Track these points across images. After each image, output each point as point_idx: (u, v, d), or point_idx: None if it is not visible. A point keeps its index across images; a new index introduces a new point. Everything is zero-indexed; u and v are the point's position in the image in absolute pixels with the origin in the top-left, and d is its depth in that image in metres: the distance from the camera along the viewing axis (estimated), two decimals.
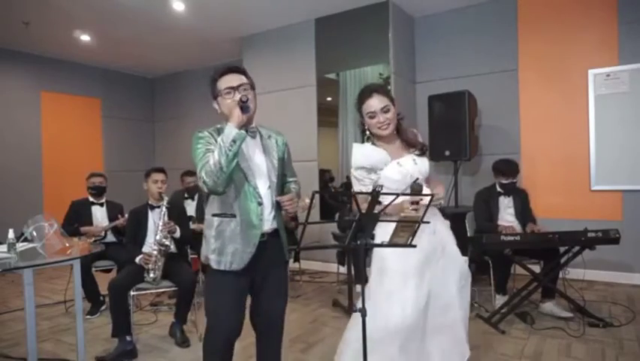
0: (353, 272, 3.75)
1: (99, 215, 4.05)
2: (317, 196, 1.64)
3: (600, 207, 4.31)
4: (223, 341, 1.86)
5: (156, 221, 3.17)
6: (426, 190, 1.91)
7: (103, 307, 3.77)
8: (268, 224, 1.87)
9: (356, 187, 2.00)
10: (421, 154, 2.04)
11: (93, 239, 3.82)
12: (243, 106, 1.73)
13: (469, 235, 3.87)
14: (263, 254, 1.84)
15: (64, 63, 6.70)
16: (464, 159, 4.33)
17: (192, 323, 3.30)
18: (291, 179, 2.07)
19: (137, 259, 3.07)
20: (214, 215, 1.85)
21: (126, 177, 6.92)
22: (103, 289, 3.52)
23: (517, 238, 3.22)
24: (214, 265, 1.83)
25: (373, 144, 2.03)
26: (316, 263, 5.29)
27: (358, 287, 3.63)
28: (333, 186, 5.30)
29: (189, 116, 7.35)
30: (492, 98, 4.75)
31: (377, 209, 1.60)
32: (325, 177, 5.29)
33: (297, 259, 4.58)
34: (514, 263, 3.44)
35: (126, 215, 3.66)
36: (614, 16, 4.25)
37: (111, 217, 4.02)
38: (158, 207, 3.22)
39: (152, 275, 3.02)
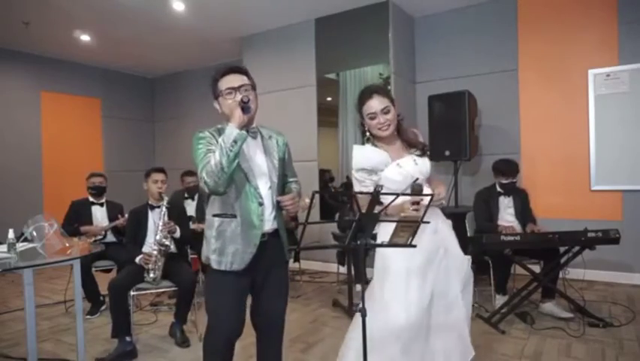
0: (353, 272, 3.75)
1: (99, 215, 4.05)
2: (317, 196, 1.64)
3: (600, 207, 4.31)
4: (223, 341, 1.86)
5: (156, 221, 3.17)
6: (426, 190, 1.91)
7: (103, 307, 3.78)
8: (269, 224, 1.87)
9: (357, 189, 2.00)
10: (422, 154, 2.04)
11: (93, 239, 3.82)
12: (244, 107, 1.73)
13: (469, 235, 3.87)
14: (263, 254, 1.84)
15: (64, 63, 6.70)
16: (464, 159, 4.33)
17: (192, 323, 3.30)
18: (291, 179, 2.06)
19: (137, 259, 3.07)
20: (215, 215, 1.85)
21: (126, 177, 6.92)
22: (103, 289, 3.52)
23: (517, 238, 3.22)
24: (215, 266, 1.83)
25: (373, 144, 2.03)
26: (316, 263, 5.29)
27: (358, 287, 3.64)
28: (333, 186, 5.30)
29: (189, 116, 7.35)
30: (492, 98, 4.75)
31: (377, 209, 1.60)
32: (325, 177, 5.29)
33: (297, 259, 4.58)
34: (514, 263, 3.44)
35: (126, 215, 3.66)
36: (614, 16, 4.25)
37: (111, 217, 4.02)
38: (158, 207, 3.22)
39: (152, 275, 3.02)
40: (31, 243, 2.67)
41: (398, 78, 4.86)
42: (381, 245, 1.90)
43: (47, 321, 3.63)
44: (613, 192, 4.29)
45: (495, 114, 4.79)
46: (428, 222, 1.72)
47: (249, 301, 1.94)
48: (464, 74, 4.89)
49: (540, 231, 3.48)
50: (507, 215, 3.73)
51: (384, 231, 1.81)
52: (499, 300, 3.54)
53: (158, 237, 3.07)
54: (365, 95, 2.00)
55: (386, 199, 1.64)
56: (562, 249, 3.36)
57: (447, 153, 4.30)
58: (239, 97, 1.79)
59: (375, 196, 1.56)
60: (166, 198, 3.23)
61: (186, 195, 4.44)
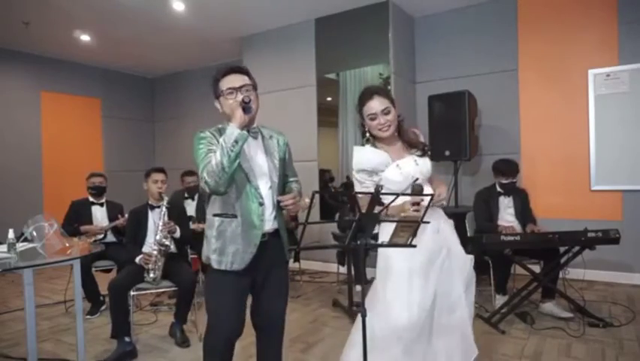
0: (353, 272, 3.75)
1: (99, 215, 4.05)
2: (317, 196, 1.64)
3: (600, 207, 4.31)
4: (224, 341, 1.86)
5: (156, 221, 3.17)
6: (427, 190, 1.91)
7: (103, 307, 3.78)
8: (269, 224, 1.87)
9: (357, 190, 2.00)
10: (423, 154, 2.04)
11: (93, 239, 3.82)
12: (245, 107, 1.73)
13: (469, 235, 3.87)
14: (264, 254, 1.84)
15: (64, 63, 6.70)
16: (464, 159, 4.33)
17: (192, 323, 3.30)
18: (292, 179, 2.07)
19: (137, 259, 3.07)
20: (215, 215, 1.86)
21: (126, 177, 6.92)
22: (103, 289, 3.52)
23: (517, 238, 3.22)
24: (215, 265, 1.83)
25: (373, 145, 2.03)
26: (316, 263, 5.29)
27: (358, 288, 3.64)
28: (333, 186, 5.30)
29: (189, 116, 7.35)
30: (492, 98, 4.75)
31: (378, 210, 1.60)
32: (325, 177, 5.29)
33: (297, 259, 4.58)
34: (514, 263, 3.44)
35: (126, 215, 3.66)
36: (614, 16, 4.25)
37: (111, 217, 4.02)
38: (158, 207, 3.22)
39: (152, 275, 3.02)
40: (31, 243, 2.67)
41: (398, 78, 4.86)
42: (381, 245, 1.90)
43: (47, 321, 3.63)
44: (613, 192, 4.29)
45: (495, 114, 4.79)
46: (428, 222, 1.72)
47: (249, 301, 1.94)
48: (464, 74, 4.89)
49: (540, 231, 3.48)
50: (507, 215, 3.73)
51: (386, 231, 1.81)
52: (499, 300, 3.54)
53: (158, 237, 3.07)
54: (365, 96, 2.00)
55: (386, 199, 1.64)
56: (562, 249, 3.35)
57: (447, 153, 4.30)
58: (240, 97, 1.79)
59: (375, 196, 1.56)
60: (166, 198, 3.23)
61: (186, 195, 4.44)
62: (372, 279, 2.04)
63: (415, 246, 1.67)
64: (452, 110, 4.30)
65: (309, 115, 5.31)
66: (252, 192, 1.83)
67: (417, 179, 1.87)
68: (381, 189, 1.59)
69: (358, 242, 1.61)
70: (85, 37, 5.77)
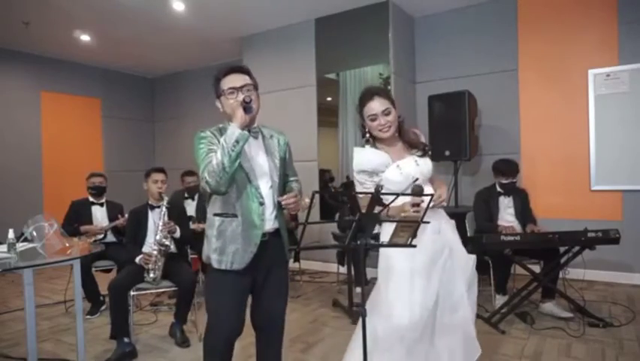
0: (353, 273, 3.75)
1: (99, 215, 4.05)
2: (317, 196, 1.64)
3: (600, 207, 4.31)
4: (223, 340, 1.87)
5: (156, 221, 3.17)
6: (427, 190, 1.91)
7: (103, 307, 3.78)
8: (270, 223, 1.88)
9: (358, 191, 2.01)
10: (423, 155, 2.05)
11: (93, 239, 3.82)
12: (246, 107, 1.73)
13: (469, 235, 3.87)
14: (264, 254, 1.84)
15: (64, 63, 6.70)
16: (464, 159, 4.33)
17: (192, 323, 3.30)
18: (292, 178, 2.07)
19: (137, 259, 3.06)
20: (216, 215, 1.86)
21: (126, 177, 6.92)
22: (103, 289, 3.52)
23: (517, 238, 3.22)
24: (215, 265, 1.83)
25: (373, 146, 2.04)
26: (316, 263, 5.29)
27: (359, 289, 3.64)
28: (333, 186, 5.30)
29: (189, 116, 7.35)
30: (492, 98, 4.75)
31: (378, 210, 1.60)
32: (325, 177, 5.29)
33: (297, 259, 4.58)
34: (514, 263, 3.44)
35: (126, 215, 3.66)
36: (614, 16, 4.25)
37: (111, 217, 4.02)
38: (158, 207, 3.22)
39: (152, 275, 3.02)
40: (31, 243, 2.67)
41: (398, 78, 4.86)
42: (381, 245, 1.90)
43: (47, 321, 3.63)
44: (613, 192, 4.29)
45: (495, 114, 4.79)
46: (428, 222, 1.72)
47: (249, 301, 1.94)
48: (464, 74, 4.89)
49: (540, 231, 3.48)
50: (507, 215, 3.73)
51: (387, 231, 1.81)
52: (499, 300, 3.54)
53: (158, 237, 3.07)
54: (366, 96, 2.00)
55: (386, 199, 1.64)
56: (562, 249, 3.35)
57: (447, 153, 4.30)
58: (241, 97, 1.79)
59: (375, 196, 1.56)
60: (166, 198, 3.23)
61: (186, 195, 4.44)
62: (373, 279, 2.04)
63: (414, 246, 1.67)
64: (452, 110, 4.30)
65: (309, 115, 5.31)
66: (252, 191, 1.83)
67: (417, 179, 1.87)
68: (382, 189, 1.59)
69: (358, 242, 1.61)
70: (85, 37, 5.77)
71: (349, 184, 4.74)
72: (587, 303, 3.38)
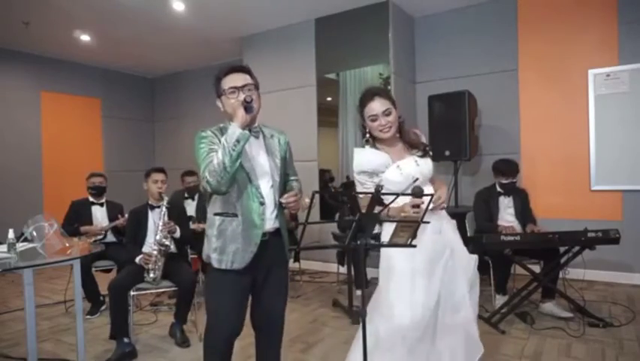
0: (353, 272, 3.75)
1: (99, 215, 4.05)
2: (317, 196, 1.64)
3: (600, 207, 4.31)
4: (224, 340, 1.87)
5: (156, 221, 3.17)
6: (427, 190, 1.91)
7: (103, 307, 3.78)
8: (270, 223, 1.88)
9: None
10: (424, 155, 2.05)
11: (93, 239, 3.82)
12: (247, 106, 1.73)
13: (469, 235, 3.87)
14: (264, 253, 1.84)
15: (64, 63, 6.70)
16: (464, 159, 4.33)
17: (192, 323, 3.30)
18: (292, 178, 2.08)
19: (137, 259, 3.06)
20: (216, 214, 1.86)
21: (126, 177, 6.92)
22: (103, 289, 3.52)
23: (517, 238, 3.22)
24: (215, 264, 1.83)
25: (373, 146, 2.04)
26: (316, 263, 5.29)
27: (359, 292, 3.64)
28: (333, 186, 5.30)
29: (189, 116, 7.35)
30: (492, 98, 4.75)
31: (378, 210, 1.61)
32: (325, 177, 5.29)
33: (297, 259, 4.58)
34: (514, 263, 3.44)
35: (126, 215, 3.66)
36: (614, 16, 4.25)
37: (111, 217, 4.02)
38: (158, 207, 3.22)
39: (152, 275, 3.02)
40: (31, 243, 2.67)
41: (398, 78, 4.86)
42: (381, 245, 1.90)
43: (47, 321, 3.63)
44: (613, 192, 4.29)
45: (495, 114, 4.79)
46: (428, 222, 1.72)
47: (248, 301, 1.94)
48: (464, 74, 4.89)
49: (540, 231, 3.48)
50: (507, 215, 3.73)
51: (387, 231, 1.81)
52: (499, 300, 3.54)
53: (158, 237, 3.07)
54: (366, 97, 2.00)
55: (387, 200, 1.64)
56: (562, 249, 3.35)
57: (447, 153, 4.30)
58: (242, 96, 1.79)
59: (375, 196, 1.56)
60: (166, 198, 3.23)
61: (186, 195, 4.44)
62: (373, 280, 2.05)
63: (414, 246, 1.67)
64: (452, 110, 4.30)
65: (309, 115, 5.31)
66: (253, 191, 1.83)
67: (417, 179, 1.87)
68: (382, 189, 1.59)
69: (358, 242, 1.61)
70: (85, 37, 5.77)
71: (349, 184, 4.74)
72: (587, 303, 3.38)
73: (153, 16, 5.05)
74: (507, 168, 3.68)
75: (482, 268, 3.60)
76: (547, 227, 3.62)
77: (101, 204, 4.09)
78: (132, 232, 3.29)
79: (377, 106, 1.96)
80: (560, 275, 3.36)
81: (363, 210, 1.60)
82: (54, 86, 6.60)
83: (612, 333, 3.01)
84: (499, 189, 3.76)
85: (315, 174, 5.25)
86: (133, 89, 7.74)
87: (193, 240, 3.50)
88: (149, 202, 3.33)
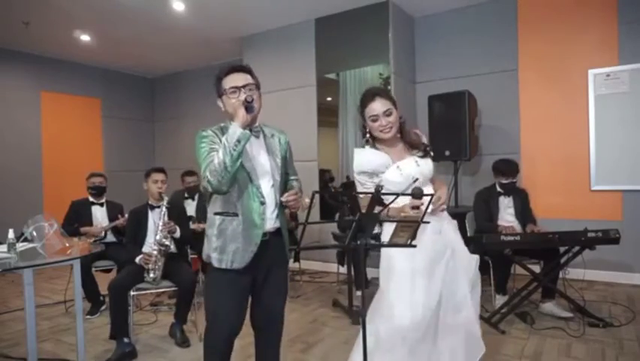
0: (353, 273, 3.75)
1: (99, 215, 4.05)
2: (317, 196, 1.64)
3: (600, 207, 4.31)
4: (224, 339, 1.87)
5: (156, 221, 3.17)
6: (428, 191, 1.91)
7: (103, 307, 3.78)
8: (271, 223, 1.88)
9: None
10: (424, 155, 2.05)
11: (93, 239, 3.82)
12: (248, 106, 1.73)
13: (469, 235, 3.87)
14: (265, 253, 1.84)
15: (64, 63, 6.70)
16: (464, 159, 4.33)
17: (192, 323, 3.30)
18: (292, 177, 2.08)
19: (137, 259, 3.06)
20: (216, 213, 1.86)
21: (126, 177, 6.92)
22: (103, 289, 3.52)
23: (517, 238, 3.22)
24: (215, 264, 1.83)
25: (373, 146, 2.04)
26: (316, 263, 5.29)
27: (359, 293, 3.64)
28: (333, 186, 5.30)
29: (189, 116, 7.35)
30: (492, 98, 4.75)
31: (378, 210, 1.61)
32: (325, 177, 5.29)
33: (297, 259, 4.58)
34: (514, 263, 3.44)
35: (126, 215, 3.66)
36: (614, 16, 4.25)
37: (111, 217, 4.02)
38: (158, 207, 3.23)
39: (152, 275, 3.02)
40: (31, 243, 2.67)
41: (398, 78, 4.86)
42: (381, 245, 1.90)
43: (47, 321, 3.63)
44: (613, 192, 4.29)
45: (495, 114, 4.79)
46: (428, 222, 1.72)
47: (248, 300, 1.94)
48: (464, 74, 4.89)
49: (540, 231, 3.48)
50: (507, 215, 3.73)
51: (387, 231, 1.81)
52: (499, 300, 3.54)
53: (158, 237, 3.07)
54: (367, 97, 2.01)
55: (387, 200, 1.64)
56: (562, 249, 3.35)
57: (447, 153, 4.30)
58: (243, 96, 1.79)
59: (375, 196, 1.56)
60: (166, 198, 3.23)
61: (186, 195, 4.44)
62: (373, 280, 2.05)
63: (414, 246, 1.67)
64: (452, 110, 4.30)
65: (309, 115, 5.31)
66: (253, 191, 1.83)
67: (417, 179, 1.87)
68: (382, 189, 1.59)
69: (358, 242, 1.61)
70: (85, 37, 5.77)
71: (349, 184, 4.74)
72: (587, 303, 3.38)
73: (153, 16, 5.05)
74: (507, 168, 3.68)
75: (482, 268, 3.58)
76: (547, 227, 3.62)
77: (101, 204, 4.09)
78: (132, 232, 3.29)
79: (378, 106, 1.97)
80: (560, 275, 3.36)
81: (363, 211, 1.60)
82: (54, 86, 6.60)
83: (612, 333, 3.01)
84: (499, 189, 3.76)
85: (315, 174, 5.25)
86: (133, 89, 7.74)
87: (193, 240, 3.50)
88: (149, 202, 3.33)
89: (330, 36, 5.19)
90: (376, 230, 1.79)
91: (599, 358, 2.67)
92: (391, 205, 1.71)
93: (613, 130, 4.27)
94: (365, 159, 2.00)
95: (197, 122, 6.59)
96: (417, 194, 1.74)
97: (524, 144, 4.69)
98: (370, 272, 4.11)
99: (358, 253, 1.63)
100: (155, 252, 3.03)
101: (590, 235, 3.13)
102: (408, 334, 1.84)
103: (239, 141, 1.69)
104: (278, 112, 5.24)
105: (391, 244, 1.75)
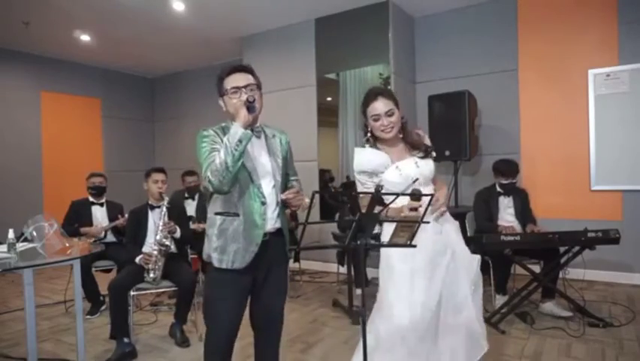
0: (353, 273, 3.75)
1: (99, 215, 4.05)
2: (317, 196, 1.64)
3: (600, 207, 4.31)
4: (224, 339, 1.87)
5: (156, 221, 3.17)
6: (428, 190, 1.91)
7: (103, 307, 3.78)
8: (272, 223, 1.87)
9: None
10: (425, 156, 2.04)
11: (93, 239, 3.82)
12: (250, 106, 1.73)
13: (469, 235, 3.87)
14: (265, 253, 1.84)
15: (64, 63, 6.70)
16: (464, 159, 4.34)
17: (192, 323, 3.30)
18: (292, 178, 2.08)
19: (137, 259, 3.07)
20: (217, 213, 1.85)
21: (126, 177, 6.92)
22: (103, 289, 3.52)
23: (517, 238, 3.22)
24: (216, 264, 1.83)
25: (373, 146, 2.04)
26: (316, 263, 5.29)
27: (359, 291, 3.64)
28: (333, 186, 5.30)
29: (189, 116, 7.35)
30: (492, 98, 4.75)
31: (377, 210, 1.61)
32: (325, 177, 5.29)
33: (297, 259, 4.58)
34: (514, 263, 3.44)
35: (126, 215, 3.66)
36: (614, 16, 4.25)
37: (111, 217, 4.02)
38: (158, 207, 3.23)
39: (152, 275, 3.02)
40: (31, 243, 2.67)
41: (398, 78, 4.86)
42: (381, 245, 1.90)
43: (47, 321, 3.63)
44: (613, 192, 4.29)
45: (495, 114, 4.79)
46: (428, 222, 1.72)
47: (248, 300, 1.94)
48: (464, 74, 4.89)
49: (540, 231, 3.48)
50: (507, 215, 3.73)
51: (387, 231, 1.81)
52: (499, 300, 3.54)
53: (158, 237, 3.07)
54: (370, 97, 2.01)
55: (386, 200, 1.64)
56: (562, 249, 3.36)
57: (447, 153, 4.30)
58: (244, 96, 1.79)
59: (375, 196, 1.56)
60: (166, 198, 3.23)
61: (186, 195, 4.44)
62: (373, 279, 2.05)
63: (414, 246, 1.67)
64: (452, 110, 4.30)
65: (309, 115, 5.31)
66: (254, 191, 1.82)
67: (416, 179, 1.87)
68: (382, 189, 1.59)
69: (358, 242, 1.61)
70: (85, 37, 5.77)
71: (349, 184, 4.74)
72: (587, 303, 3.38)
73: (153, 16, 5.05)
74: (507, 168, 3.68)
75: (482, 268, 3.58)
76: (547, 227, 3.63)
77: (101, 204, 4.09)
78: (132, 232, 3.29)
79: (380, 106, 1.97)
80: (560, 275, 3.36)
81: (363, 210, 1.60)
82: (54, 86, 6.60)
83: (612, 333, 3.01)
84: (499, 189, 3.76)
85: (315, 174, 5.25)
86: (133, 89, 7.75)
87: (193, 240, 3.50)
88: (149, 202, 3.33)
89: (330, 36, 5.19)
90: (376, 230, 1.79)
91: (599, 358, 2.67)
92: (390, 206, 1.71)
93: (613, 130, 4.27)
94: (365, 159, 2.00)
95: (197, 122, 6.59)
96: (415, 195, 1.74)
97: (524, 144, 4.69)
98: (370, 272, 4.11)
99: (358, 253, 1.63)
100: (155, 252, 3.03)
101: (590, 235, 3.13)
102: (407, 334, 1.84)
103: (240, 141, 1.68)
104: (278, 112, 5.23)
105: (391, 244, 1.75)
